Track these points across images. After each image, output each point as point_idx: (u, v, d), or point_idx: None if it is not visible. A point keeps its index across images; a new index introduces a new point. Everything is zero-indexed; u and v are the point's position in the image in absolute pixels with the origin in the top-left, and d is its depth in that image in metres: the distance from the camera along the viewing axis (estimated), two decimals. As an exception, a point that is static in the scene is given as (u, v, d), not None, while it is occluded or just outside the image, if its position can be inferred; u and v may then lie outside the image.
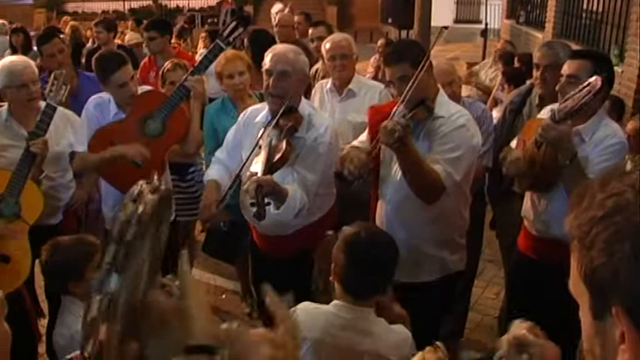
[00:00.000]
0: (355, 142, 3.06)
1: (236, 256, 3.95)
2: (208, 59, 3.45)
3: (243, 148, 2.87)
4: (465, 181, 2.75)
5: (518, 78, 5.82)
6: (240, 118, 3.09)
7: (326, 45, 3.88)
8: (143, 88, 3.57)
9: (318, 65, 5.15)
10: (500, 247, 3.92)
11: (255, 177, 2.48)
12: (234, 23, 3.35)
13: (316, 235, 2.70)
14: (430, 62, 2.72)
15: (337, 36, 4.04)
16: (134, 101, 3.41)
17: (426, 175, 2.58)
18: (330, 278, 2.12)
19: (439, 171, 2.60)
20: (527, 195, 2.99)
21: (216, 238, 3.91)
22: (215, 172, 3.01)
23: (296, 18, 6.59)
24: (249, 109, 3.12)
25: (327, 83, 3.92)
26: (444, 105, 2.75)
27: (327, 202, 3.03)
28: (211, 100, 4.04)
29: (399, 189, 2.72)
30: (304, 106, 2.92)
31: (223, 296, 4.61)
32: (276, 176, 2.64)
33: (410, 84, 2.57)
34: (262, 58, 2.91)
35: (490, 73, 7.85)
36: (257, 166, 2.59)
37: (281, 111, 2.73)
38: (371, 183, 3.02)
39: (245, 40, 4.80)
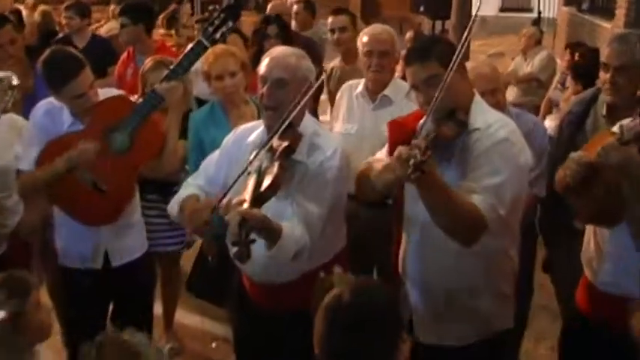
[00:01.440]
0: (371, 159, 2.95)
1: (227, 297, 3.78)
2: (188, 60, 3.36)
3: (229, 176, 2.79)
4: (512, 213, 2.58)
5: (588, 75, 5.49)
6: (227, 138, 3.03)
7: (363, 38, 3.85)
8: (107, 92, 3.46)
9: (335, 62, 5.14)
10: (555, 293, 3.78)
11: (238, 209, 2.38)
12: (222, 16, 3.26)
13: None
14: (463, 62, 2.62)
15: (378, 28, 3.96)
16: (94, 110, 3.31)
17: (459, 210, 2.42)
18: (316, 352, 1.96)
19: (478, 203, 2.43)
20: (589, 232, 2.80)
21: (202, 276, 4.00)
22: (187, 192, 2.93)
23: (295, 7, 6.46)
24: (241, 127, 3.05)
25: (358, 86, 3.87)
26: (480, 114, 2.64)
27: (335, 244, 2.92)
28: (202, 103, 4.01)
29: (428, 225, 2.56)
30: (308, 123, 2.84)
31: (213, 345, 4.53)
32: (271, 209, 2.55)
33: (440, 88, 2.46)
34: None
35: (525, 68, 7.63)
36: (243, 196, 2.52)
37: (275, 129, 2.66)
38: (393, 218, 2.90)
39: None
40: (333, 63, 5.19)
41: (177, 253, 4.31)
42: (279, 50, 2.89)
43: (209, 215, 2.60)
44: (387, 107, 3.74)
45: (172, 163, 3.54)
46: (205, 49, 3.35)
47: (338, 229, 2.92)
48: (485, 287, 2.72)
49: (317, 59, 4.90)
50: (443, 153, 2.52)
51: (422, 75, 2.60)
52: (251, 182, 2.53)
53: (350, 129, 3.79)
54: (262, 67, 2.78)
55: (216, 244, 3.42)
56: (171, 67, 3.42)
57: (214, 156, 3.01)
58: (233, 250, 2.36)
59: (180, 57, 3.42)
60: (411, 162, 2.20)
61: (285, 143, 2.65)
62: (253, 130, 2.91)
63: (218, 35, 3.29)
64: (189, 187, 2.95)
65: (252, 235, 2.35)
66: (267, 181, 2.51)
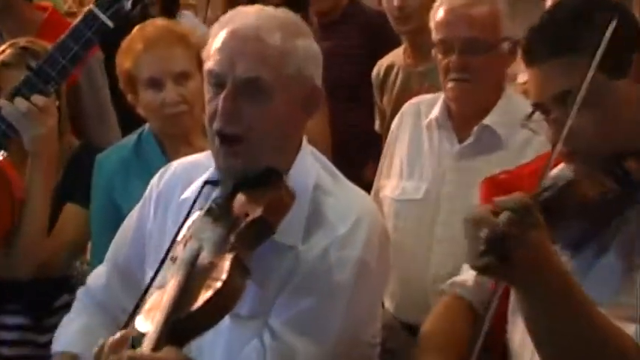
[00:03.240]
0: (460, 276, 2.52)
1: None
2: (69, 54, 2.91)
3: (149, 263, 2.46)
4: None
5: None
6: (152, 183, 2.60)
7: (438, 11, 3.21)
8: None
9: (395, 56, 4.24)
10: None
11: (128, 354, 2.01)
12: None
13: None
14: None
15: None
16: None
17: (596, 347, 2.01)
18: None
19: None
20: None
21: None
22: (75, 330, 2.55)
23: None
24: (177, 162, 2.62)
25: (434, 107, 3.31)
26: None
27: None
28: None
29: None
30: (308, 167, 2.39)
31: None
32: (220, 342, 2.26)
33: (576, 101, 2.03)
34: None
35: None
36: (149, 319, 2.11)
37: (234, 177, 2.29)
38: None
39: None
40: (390, 57, 4.30)
41: None
42: (245, 16, 2.34)
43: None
44: (490, 152, 3.14)
45: (38, 253, 3.16)
46: (101, 27, 2.88)
47: None
48: None
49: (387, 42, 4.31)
50: (591, 235, 2.16)
51: (557, 84, 2.15)
52: (170, 287, 2.08)
53: (413, 191, 3.22)
54: (212, 52, 2.30)
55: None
56: (34, 65, 2.93)
57: (129, 226, 2.61)
58: None
59: (51, 47, 2.97)
60: (483, 234, 1.84)
61: (257, 212, 2.13)
62: (199, 171, 2.43)
63: (129, 5, 2.90)
64: (87, 306, 2.55)
65: None
66: (206, 293, 2.05)
